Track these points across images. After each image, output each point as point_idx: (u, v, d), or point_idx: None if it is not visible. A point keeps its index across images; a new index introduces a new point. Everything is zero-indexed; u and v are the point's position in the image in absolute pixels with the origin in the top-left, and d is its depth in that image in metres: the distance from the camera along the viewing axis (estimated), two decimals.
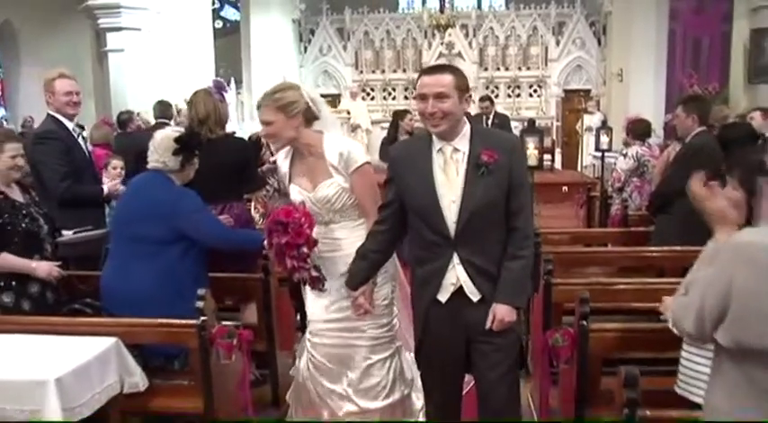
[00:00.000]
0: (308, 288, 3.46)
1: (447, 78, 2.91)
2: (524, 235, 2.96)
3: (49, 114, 4.59)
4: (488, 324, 2.93)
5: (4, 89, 15.22)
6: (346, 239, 3.37)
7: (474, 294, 2.96)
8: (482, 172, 2.87)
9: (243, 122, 15.54)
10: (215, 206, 4.11)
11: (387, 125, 8.98)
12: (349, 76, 17.84)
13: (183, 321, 3.33)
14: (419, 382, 3.41)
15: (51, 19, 14.31)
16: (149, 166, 3.78)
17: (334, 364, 3.43)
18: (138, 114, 9.26)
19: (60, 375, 2.89)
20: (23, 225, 3.65)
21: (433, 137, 2.96)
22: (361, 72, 18.07)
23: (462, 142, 2.94)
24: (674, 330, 1.89)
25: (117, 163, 5.47)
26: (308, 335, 3.54)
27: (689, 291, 1.80)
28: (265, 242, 3.35)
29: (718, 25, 12.59)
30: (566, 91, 17.65)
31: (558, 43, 17.55)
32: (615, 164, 7.36)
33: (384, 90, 18.14)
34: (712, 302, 1.66)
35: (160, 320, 3.35)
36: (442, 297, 2.99)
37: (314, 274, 3.29)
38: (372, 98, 17.86)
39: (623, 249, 5.04)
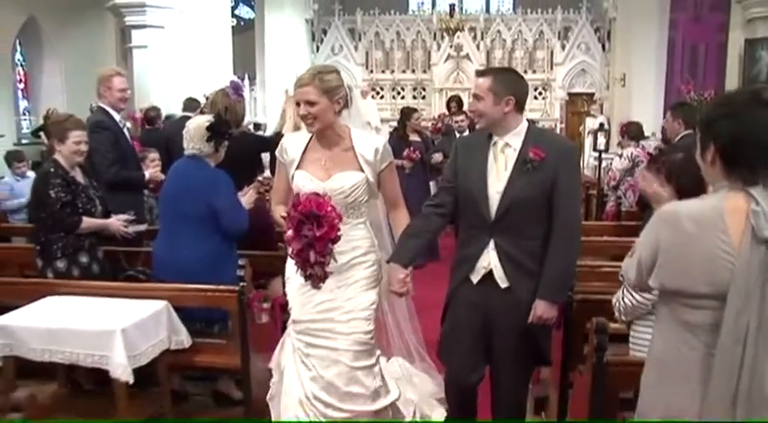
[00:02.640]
0: (294, 286, 3.37)
1: (485, 82, 3.14)
2: (568, 233, 3.11)
3: (99, 106, 5.12)
4: (530, 319, 3.11)
5: (27, 82, 15.69)
6: (345, 236, 3.14)
7: (502, 280, 3.15)
8: (527, 168, 3.06)
9: (256, 117, 16.09)
10: None
11: (395, 123, 9.29)
12: (359, 76, 18.37)
13: (225, 287, 3.85)
14: (409, 395, 3.66)
15: (73, 16, 14.80)
16: (186, 152, 4.23)
17: (318, 365, 3.29)
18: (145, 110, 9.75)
19: (125, 326, 3.45)
20: (81, 204, 4.20)
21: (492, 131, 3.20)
22: (372, 71, 18.68)
23: (515, 139, 3.13)
24: (626, 282, 2.41)
25: (153, 155, 5.95)
26: (295, 335, 3.38)
27: (634, 251, 2.31)
28: (288, 233, 3.07)
29: (715, 35, 13.07)
30: (570, 94, 18.17)
31: (563, 47, 18.10)
32: (611, 164, 7.80)
33: (393, 89, 18.72)
34: (645, 255, 2.15)
35: (205, 286, 3.87)
36: (474, 278, 3.21)
37: (327, 270, 3.14)
38: (382, 97, 18.40)
39: (613, 239, 5.52)
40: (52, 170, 4.17)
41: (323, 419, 3.28)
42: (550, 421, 3.97)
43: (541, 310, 3.10)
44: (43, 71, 15.38)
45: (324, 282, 3.15)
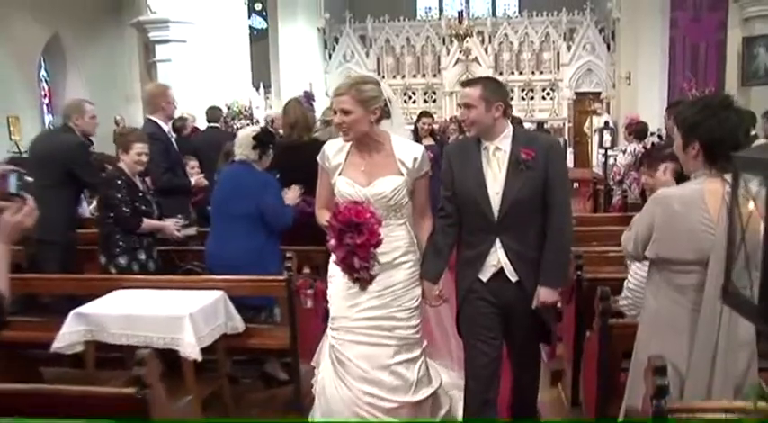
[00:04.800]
0: (338, 285, 3.47)
1: (476, 91, 3.26)
2: (561, 223, 3.26)
3: (149, 119, 5.65)
4: (534, 305, 3.28)
5: (51, 97, 16.25)
6: (387, 236, 3.29)
7: (512, 275, 3.29)
8: (521, 168, 3.20)
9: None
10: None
11: (408, 127, 9.29)
12: None
13: (275, 276, 4.34)
14: (449, 385, 3.77)
15: (95, 33, 15.38)
16: (236, 158, 4.74)
17: (361, 361, 3.38)
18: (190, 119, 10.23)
19: (192, 312, 3.92)
20: (143, 208, 4.73)
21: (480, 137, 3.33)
22: (383, 77, 18.92)
23: (504, 142, 3.28)
24: (624, 253, 2.91)
25: (193, 163, 6.45)
26: (334, 333, 3.48)
27: (632, 227, 2.82)
28: (331, 242, 3.24)
29: (715, 33, 13.56)
30: (577, 93, 18.65)
31: (569, 48, 18.59)
32: (616, 160, 8.24)
33: (405, 94, 19.24)
34: (642, 231, 2.67)
35: (257, 276, 4.35)
36: (484, 276, 3.33)
37: (373, 273, 3.29)
38: None
39: (620, 228, 5.96)
40: (117, 176, 4.70)
41: (371, 416, 3.37)
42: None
43: (544, 296, 3.26)
44: (66, 86, 15.95)
45: (371, 283, 3.31)
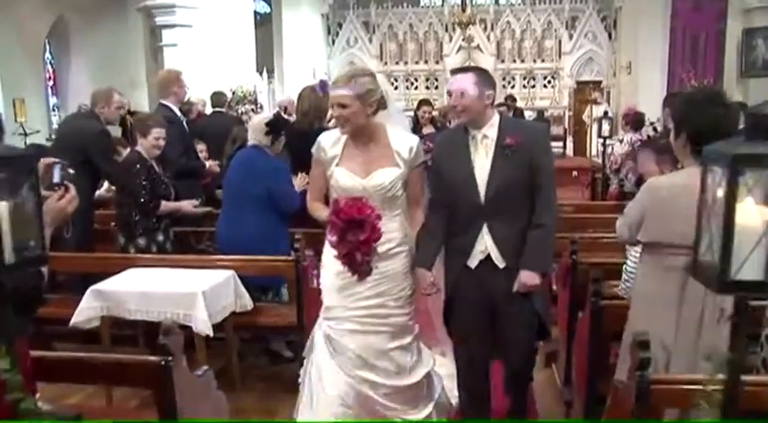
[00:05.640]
0: (331, 275, 3.50)
1: (468, 78, 3.33)
2: (545, 207, 3.30)
3: (163, 103, 5.84)
4: (515, 288, 3.30)
5: (56, 80, 16.38)
6: (383, 227, 3.31)
7: (500, 261, 3.34)
8: (506, 153, 3.27)
9: (274, 109, 16.71)
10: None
11: (409, 114, 9.36)
12: (374, 67, 18.55)
13: (284, 257, 4.55)
14: (439, 366, 3.82)
15: (99, 16, 15.46)
16: (249, 143, 4.97)
17: (358, 349, 3.43)
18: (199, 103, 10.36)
19: (204, 289, 4.13)
20: (160, 190, 4.92)
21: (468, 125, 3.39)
22: (386, 63, 19.26)
23: (490, 130, 3.33)
24: (619, 238, 3.12)
25: (201, 147, 6.62)
26: (330, 323, 3.51)
27: (625, 214, 3.03)
28: (331, 238, 3.30)
29: (714, 24, 13.65)
30: (578, 82, 18.69)
31: (570, 37, 18.62)
32: (613, 149, 8.43)
33: (407, 80, 19.34)
34: (634, 217, 2.89)
35: (266, 257, 4.56)
36: (472, 263, 3.38)
37: (372, 265, 3.35)
38: (396, 88, 18.83)
39: (613, 216, 6.16)
40: (136, 160, 4.89)
41: (370, 402, 3.44)
42: None
43: (524, 278, 3.29)
44: (71, 69, 16.07)
45: (370, 274, 3.35)
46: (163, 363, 2.66)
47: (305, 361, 3.69)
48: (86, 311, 4.21)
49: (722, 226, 1.35)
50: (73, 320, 4.20)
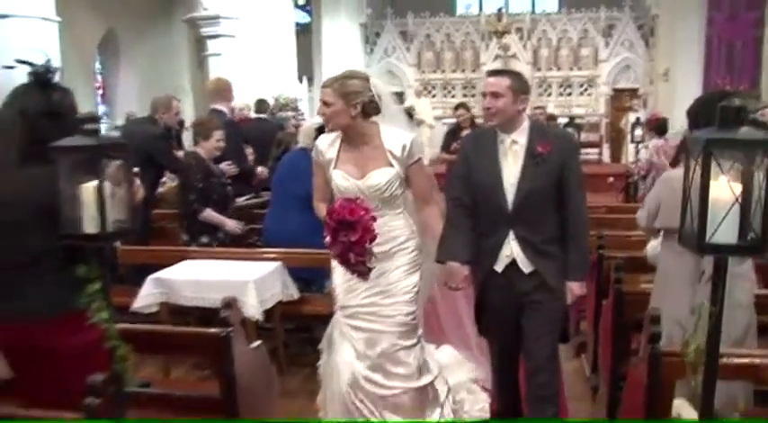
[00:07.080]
0: (339, 275, 3.57)
1: (504, 81, 3.29)
2: (577, 216, 3.31)
3: (216, 109, 6.23)
4: (568, 301, 3.37)
5: (105, 89, 17.03)
6: (384, 226, 3.40)
7: (526, 267, 3.33)
8: (537, 161, 3.25)
9: (314, 117, 17.10)
10: None
11: (447, 121, 9.68)
12: (411, 76, 19.33)
13: (326, 250, 4.82)
14: (444, 373, 3.78)
15: (147, 28, 16.07)
16: (299, 145, 5.38)
17: (364, 347, 3.48)
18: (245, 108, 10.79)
19: (256, 278, 4.49)
20: (218, 189, 5.27)
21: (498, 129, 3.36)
22: (423, 72, 19.52)
23: (521, 135, 3.31)
24: (638, 226, 3.45)
25: (249, 150, 7.01)
26: (343, 320, 3.56)
27: (644, 205, 3.37)
28: (327, 239, 3.36)
29: (750, 31, 13.71)
30: (614, 90, 18.71)
31: (607, 44, 18.68)
32: (639, 155, 8.63)
33: (444, 88, 19.56)
34: (651, 206, 3.24)
35: (311, 250, 4.85)
36: (498, 267, 3.38)
37: (370, 266, 3.38)
38: (433, 96, 19.24)
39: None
40: (194, 161, 5.24)
41: (370, 403, 3.46)
42: None
43: (576, 290, 3.36)
44: (119, 78, 16.69)
45: (369, 274, 3.39)
46: (223, 334, 2.98)
47: (321, 355, 3.80)
48: (146, 298, 4.58)
49: (699, 198, 1.63)
50: (134, 306, 4.57)
